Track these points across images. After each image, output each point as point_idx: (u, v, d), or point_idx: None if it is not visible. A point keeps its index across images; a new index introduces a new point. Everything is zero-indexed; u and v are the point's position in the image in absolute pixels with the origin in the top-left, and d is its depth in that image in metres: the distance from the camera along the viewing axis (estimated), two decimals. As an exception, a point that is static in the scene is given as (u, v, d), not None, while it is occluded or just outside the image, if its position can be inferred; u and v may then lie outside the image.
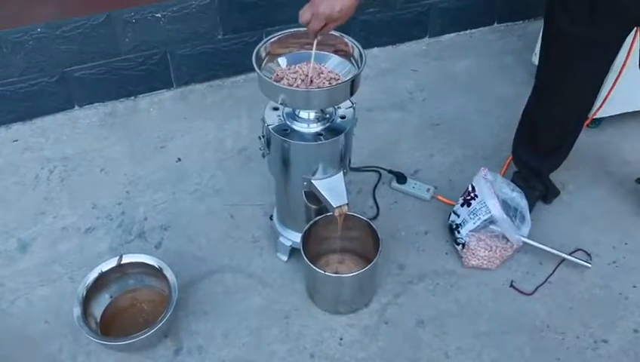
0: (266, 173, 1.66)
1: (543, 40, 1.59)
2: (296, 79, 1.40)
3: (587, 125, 2.02)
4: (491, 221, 1.67)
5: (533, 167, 1.85)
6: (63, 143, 2.16)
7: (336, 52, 1.47)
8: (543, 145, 1.79)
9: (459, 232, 1.75)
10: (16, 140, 2.18)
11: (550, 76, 1.62)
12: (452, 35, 2.74)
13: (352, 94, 1.39)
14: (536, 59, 2.44)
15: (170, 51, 2.29)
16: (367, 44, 1.42)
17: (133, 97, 2.36)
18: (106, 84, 2.27)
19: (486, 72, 2.52)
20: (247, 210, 1.91)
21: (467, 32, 2.76)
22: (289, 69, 1.45)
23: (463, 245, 1.73)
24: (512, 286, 1.71)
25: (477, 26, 2.77)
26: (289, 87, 1.36)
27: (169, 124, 2.25)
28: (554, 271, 1.74)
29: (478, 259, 1.73)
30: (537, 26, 2.43)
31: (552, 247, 1.74)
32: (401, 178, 1.98)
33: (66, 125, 2.23)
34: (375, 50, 2.61)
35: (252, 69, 1.37)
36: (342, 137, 1.45)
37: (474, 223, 1.70)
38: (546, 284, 1.71)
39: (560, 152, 1.81)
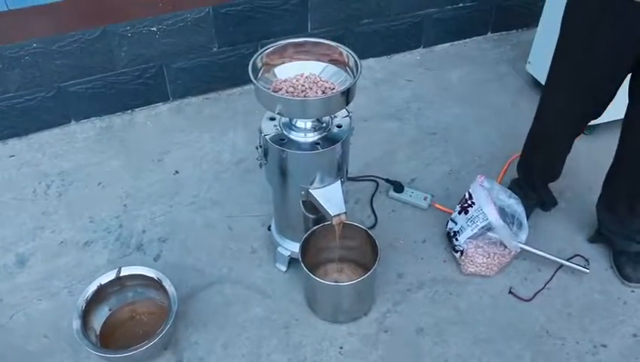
0: (263, 184, 1.67)
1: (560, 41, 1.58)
2: (294, 89, 1.42)
3: (582, 132, 2.04)
4: (489, 228, 1.69)
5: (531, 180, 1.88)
6: (60, 158, 2.17)
7: (331, 62, 1.49)
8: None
9: (457, 240, 1.76)
10: (13, 155, 2.19)
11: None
12: (446, 45, 2.76)
13: (347, 103, 1.41)
14: (530, 68, 2.48)
15: (166, 65, 2.32)
16: (361, 55, 1.44)
17: (129, 111, 2.37)
18: (102, 98, 2.29)
19: (480, 81, 2.55)
20: (246, 222, 1.92)
21: (461, 41, 2.79)
22: (285, 80, 1.46)
23: (462, 252, 1.74)
24: (510, 292, 1.72)
25: (471, 36, 2.80)
26: (285, 97, 1.38)
27: (166, 137, 2.27)
28: (552, 277, 1.76)
29: (477, 266, 1.74)
30: (531, 35, 2.46)
31: (549, 253, 1.75)
32: (398, 187, 2.00)
33: (63, 140, 2.25)
34: (370, 60, 2.64)
35: (248, 81, 1.38)
36: (339, 146, 1.46)
37: (472, 230, 1.71)
38: (545, 290, 1.73)
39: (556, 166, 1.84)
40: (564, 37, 1.54)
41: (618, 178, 1.69)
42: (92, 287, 1.58)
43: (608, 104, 1.58)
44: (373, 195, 2.01)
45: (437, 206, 1.96)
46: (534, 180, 1.87)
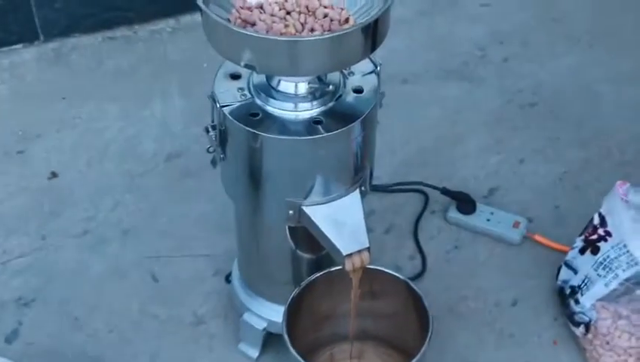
0: (217, 196, 1.70)
1: None
2: (274, 20, 1.44)
3: None
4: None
5: None
6: None
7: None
8: None
9: (577, 302, 1.77)
10: None
11: None
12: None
13: (373, 49, 1.42)
14: None
15: (33, -26, 2.34)
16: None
17: (-36, 60, 2.41)
18: None
19: (620, 8, 2.60)
20: (184, 266, 1.95)
21: None
22: (259, 3, 1.47)
23: (587, 326, 1.76)
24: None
25: None
26: (260, 35, 1.38)
27: (33, 108, 2.31)
28: None
29: (618, 355, 1.74)
30: None
31: None
32: (465, 203, 2.04)
33: None
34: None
35: (188, 7, 1.39)
36: (356, 127, 1.48)
37: (606, 285, 1.72)
38: None
39: None
40: None
41: None
42: None
43: None
44: (419, 218, 2.05)
45: (537, 238, 1.99)
46: None
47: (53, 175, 2.16)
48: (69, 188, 2.13)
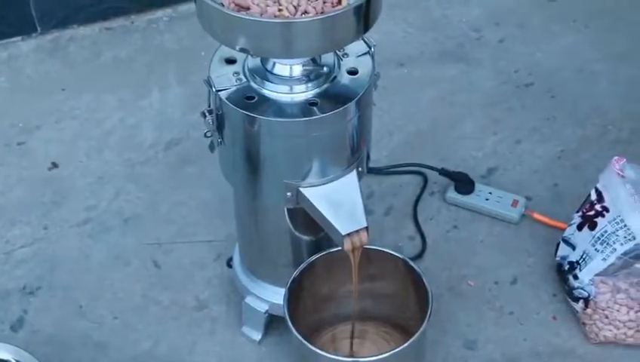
0: (216, 181, 1.72)
1: None
2: (267, 2, 1.44)
3: None
4: (638, 254, 1.71)
5: None
6: None
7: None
8: None
9: (576, 277, 1.78)
10: None
11: None
12: None
13: (366, 29, 1.43)
14: None
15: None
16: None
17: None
18: None
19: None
20: (186, 252, 1.98)
21: None
22: None
23: (586, 301, 1.77)
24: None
25: None
26: (254, 18, 1.38)
27: (32, 100, 2.33)
28: None
29: (617, 328, 1.76)
30: None
31: None
32: (463, 183, 2.06)
33: None
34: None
35: None
36: (352, 108, 1.49)
37: (604, 259, 1.73)
38: None
39: None
40: None
41: None
42: None
43: None
44: (418, 199, 2.06)
45: (536, 216, 2.01)
46: None
47: (54, 165, 2.18)
48: (69, 178, 2.15)
